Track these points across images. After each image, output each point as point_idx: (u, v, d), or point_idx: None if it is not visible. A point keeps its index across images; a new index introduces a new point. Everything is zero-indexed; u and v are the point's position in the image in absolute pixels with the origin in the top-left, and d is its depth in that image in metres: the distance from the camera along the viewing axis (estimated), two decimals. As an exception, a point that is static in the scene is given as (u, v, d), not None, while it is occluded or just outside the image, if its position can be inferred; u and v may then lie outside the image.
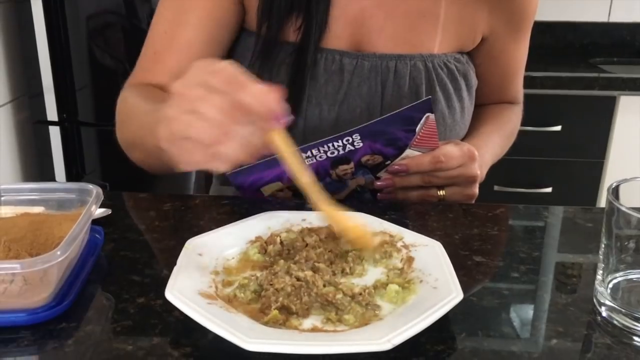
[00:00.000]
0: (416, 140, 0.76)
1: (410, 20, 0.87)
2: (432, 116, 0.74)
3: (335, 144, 0.74)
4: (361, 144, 0.75)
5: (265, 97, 0.54)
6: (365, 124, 0.74)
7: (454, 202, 0.82)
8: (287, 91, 0.86)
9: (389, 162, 0.79)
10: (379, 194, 0.83)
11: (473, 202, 0.87)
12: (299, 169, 0.60)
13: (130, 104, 0.83)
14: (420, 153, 0.78)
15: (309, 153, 0.75)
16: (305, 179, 0.60)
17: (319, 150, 0.75)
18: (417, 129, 0.75)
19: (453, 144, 0.80)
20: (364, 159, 0.78)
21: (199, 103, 0.53)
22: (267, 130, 0.56)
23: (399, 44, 0.87)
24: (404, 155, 0.78)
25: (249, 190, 0.80)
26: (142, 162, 0.84)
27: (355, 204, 0.79)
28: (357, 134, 0.74)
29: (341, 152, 0.76)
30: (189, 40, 0.85)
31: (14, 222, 0.63)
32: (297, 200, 0.81)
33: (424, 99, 0.74)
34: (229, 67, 0.55)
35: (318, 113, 0.87)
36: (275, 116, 0.55)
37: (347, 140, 0.74)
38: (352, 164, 0.78)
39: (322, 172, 0.79)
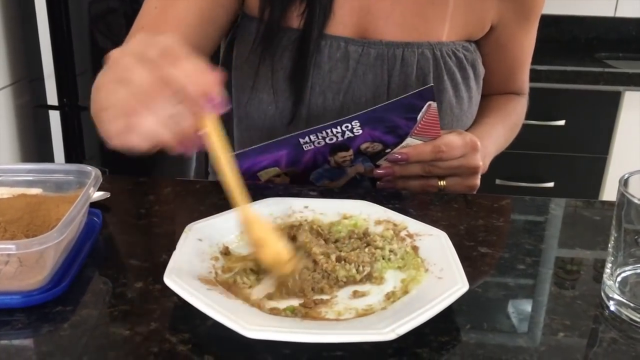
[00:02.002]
0: (417, 128, 0.75)
1: (418, 6, 0.85)
2: (434, 104, 0.73)
3: (334, 130, 0.73)
4: (360, 131, 0.73)
5: (199, 76, 0.49)
6: (364, 111, 0.72)
7: (456, 193, 0.81)
8: (289, 79, 0.86)
9: (389, 150, 0.78)
10: (378, 183, 0.81)
11: (474, 193, 0.86)
12: (225, 165, 0.53)
13: (98, 82, 0.80)
14: (421, 142, 0.77)
15: (306, 139, 0.74)
16: (230, 179, 0.54)
17: (317, 136, 0.73)
18: (419, 117, 0.74)
19: (455, 134, 0.79)
20: (363, 146, 0.76)
21: (128, 72, 0.50)
22: (198, 114, 0.50)
23: (406, 31, 0.86)
24: (404, 143, 0.77)
25: (245, 175, 0.78)
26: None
27: (357, 194, 0.78)
28: (357, 121, 0.72)
29: (340, 138, 0.74)
30: (179, 16, 0.82)
31: (10, 203, 0.61)
32: (299, 187, 0.79)
33: (427, 86, 0.72)
34: (168, 40, 0.51)
35: (322, 102, 0.85)
36: (208, 100, 0.49)
37: (346, 126, 0.73)
38: (351, 151, 0.77)
39: (320, 159, 0.77)
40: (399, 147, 0.77)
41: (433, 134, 0.76)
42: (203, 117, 0.50)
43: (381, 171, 0.79)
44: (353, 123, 0.72)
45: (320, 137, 0.74)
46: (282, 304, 0.53)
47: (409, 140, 0.77)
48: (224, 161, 0.53)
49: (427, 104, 0.72)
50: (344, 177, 0.82)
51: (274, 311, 0.52)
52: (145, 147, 0.51)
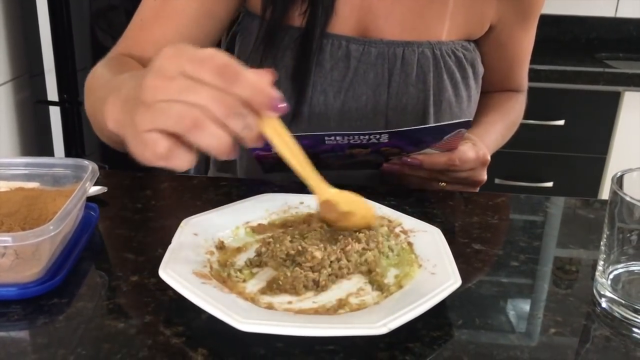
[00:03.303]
0: (440, 144, 0.76)
1: (419, 6, 0.86)
2: (464, 131, 0.74)
3: (362, 137, 0.73)
4: (386, 141, 0.74)
5: (261, 85, 0.48)
6: (398, 129, 0.73)
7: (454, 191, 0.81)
8: (291, 77, 0.86)
9: (404, 153, 0.78)
10: (383, 166, 0.81)
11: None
12: (296, 160, 0.54)
13: (97, 74, 0.76)
14: (437, 152, 0.77)
15: (332, 138, 0.74)
16: (304, 169, 0.55)
17: (343, 138, 0.74)
18: (445, 137, 0.74)
19: (471, 145, 0.79)
20: (382, 149, 0.77)
21: (184, 94, 0.46)
22: (260, 120, 0.49)
23: (406, 30, 0.86)
24: (421, 152, 0.78)
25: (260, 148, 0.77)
26: (102, 137, 0.78)
27: (352, 190, 0.78)
28: (387, 135, 0.73)
29: (364, 142, 0.75)
30: (180, 9, 0.81)
31: (7, 196, 0.62)
32: (295, 182, 0.80)
33: (466, 120, 0.74)
34: (218, 55, 0.47)
35: (323, 100, 0.85)
36: (272, 105, 0.48)
37: (375, 136, 0.73)
38: (369, 150, 0.77)
39: (337, 149, 0.77)
40: (415, 153, 0.78)
41: (451, 148, 0.77)
42: (265, 121, 0.50)
43: (389, 167, 0.80)
44: (382, 135, 0.73)
45: (345, 139, 0.74)
46: (276, 298, 0.53)
47: (426, 150, 0.77)
48: (293, 156, 0.54)
49: (458, 130, 0.73)
50: (352, 160, 0.82)
51: (268, 305, 0.52)
52: (188, 166, 0.49)
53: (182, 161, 0.48)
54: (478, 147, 0.80)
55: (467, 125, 0.73)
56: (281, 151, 0.53)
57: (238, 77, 0.47)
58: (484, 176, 0.81)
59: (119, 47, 0.84)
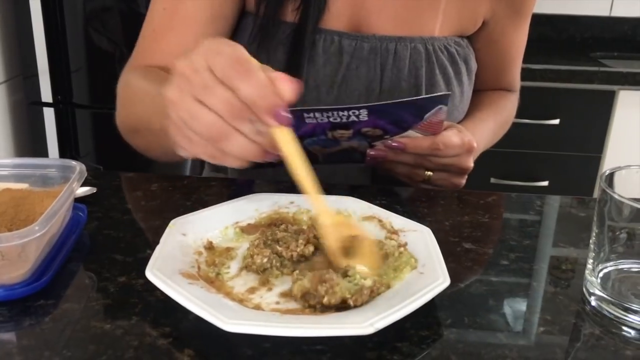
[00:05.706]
0: (421, 124, 0.75)
1: (411, 1, 0.85)
2: (445, 108, 0.73)
3: (341, 113, 0.73)
4: (366, 119, 0.74)
5: (267, 89, 0.50)
6: (376, 103, 0.72)
7: (444, 188, 0.81)
8: (284, 72, 0.86)
9: (387, 136, 0.78)
10: (368, 151, 0.81)
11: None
12: (303, 176, 0.56)
13: (134, 87, 0.79)
14: (420, 135, 0.77)
15: (311, 115, 0.73)
16: (309, 188, 0.57)
17: (322, 115, 0.73)
18: (426, 116, 0.74)
19: (456, 131, 0.79)
20: (364, 129, 0.77)
21: (203, 93, 0.50)
22: (270, 127, 0.52)
23: (399, 25, 0.86)
24: (405, 134, 0.77)
25: None
26: (145, 149, 0.81)
27: (344, 190, 0.78)
28: (365, 110, 0.73)
29: (344, 120, 0.74)
30: (190, 16, 0.81)
31: (-5, 197, 0.62)
32: (286, 182, 0.79)
33: (444, 93, 0.73)
34: (236, 50, 0.51)
35: (316, 95, 0.85)
36: (275, 113, 0.50)
37: (354, 112, 0.73)
38: (351, 131, 0.77)
39: (318, 130, 0.77)
40: (398, 135, 0.77)
41: (434, 130, 0.76)
42: (274, 129, 0.52)
43: (374, 153, 0.79)
44: (361, 111, 0.73)
45: (325, 116, 0.74)
46: (266, 297, 0.53)
47: (409, 132, 0.77)
48: (300, 173, 0.55)
49: (439, 107, 0.73)
50: (337, 147, 0.82)
51: (256, 306, 0.52)
52: (239, 165, 0.53)
53: (231, 161, 0.53)
54: (463, 133, 0.79)
55: (445, 99, 0.72)
56: (289, 162, 0.54)
57: (247, 75, 0.49)
58: (470, 163, 0.80)
59: (134, 60, 0.85)
